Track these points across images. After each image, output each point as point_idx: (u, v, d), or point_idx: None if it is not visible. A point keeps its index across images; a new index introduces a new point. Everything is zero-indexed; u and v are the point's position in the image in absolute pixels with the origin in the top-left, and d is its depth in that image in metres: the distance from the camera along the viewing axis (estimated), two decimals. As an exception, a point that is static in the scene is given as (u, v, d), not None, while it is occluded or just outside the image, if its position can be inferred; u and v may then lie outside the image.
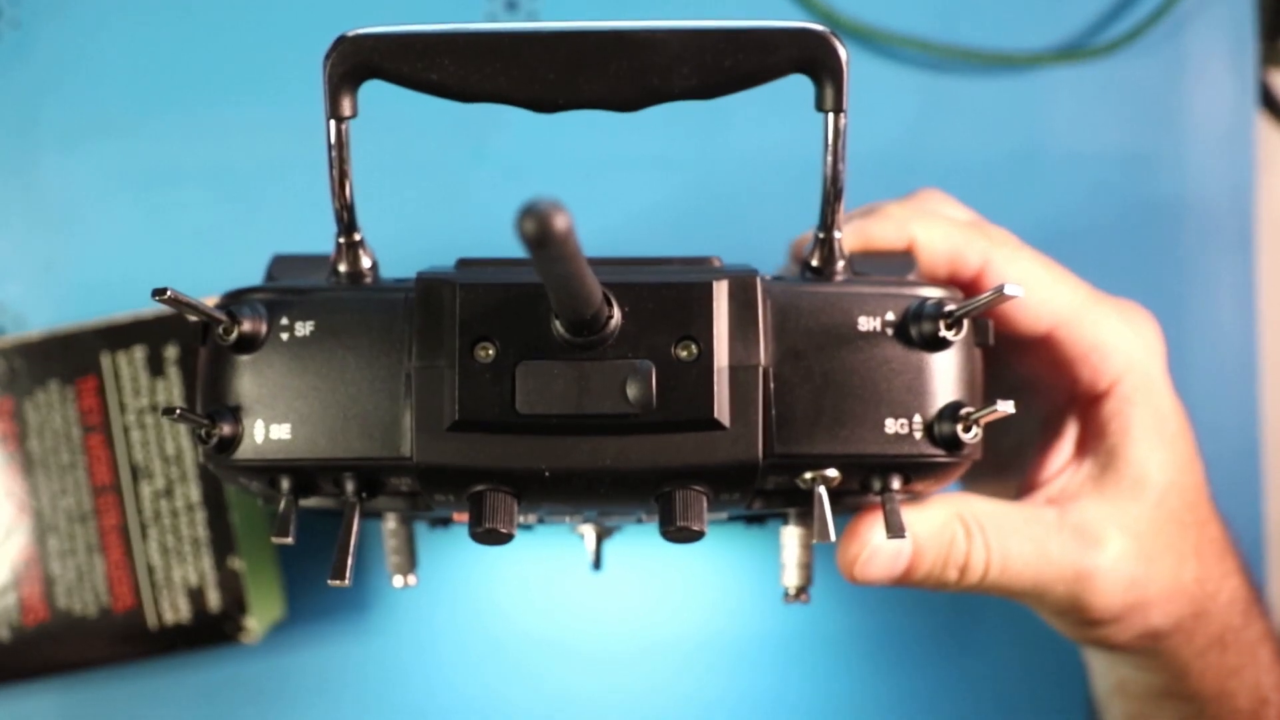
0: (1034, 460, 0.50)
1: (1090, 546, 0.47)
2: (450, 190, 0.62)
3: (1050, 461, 0.49)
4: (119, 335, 0.57)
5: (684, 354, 0.37)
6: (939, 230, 0.47)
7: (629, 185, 0.62)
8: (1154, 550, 0.47)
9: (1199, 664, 0.50)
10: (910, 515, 0.45)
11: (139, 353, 0.57)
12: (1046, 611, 0.49)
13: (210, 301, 0.39)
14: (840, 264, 0.41)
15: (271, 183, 0.62)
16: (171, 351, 0.57)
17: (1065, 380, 0.48)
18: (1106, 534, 0.47)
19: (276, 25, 0.62)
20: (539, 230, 0.26)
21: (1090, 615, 0.47)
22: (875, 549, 0.45)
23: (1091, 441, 0.48)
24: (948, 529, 0.45)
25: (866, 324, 0.39)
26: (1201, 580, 0.49)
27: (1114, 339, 0.48)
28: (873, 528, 0.44)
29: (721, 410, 0.38)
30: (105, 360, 0.57)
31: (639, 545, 0.58)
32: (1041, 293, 0.47)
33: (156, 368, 0.57)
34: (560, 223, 0.26)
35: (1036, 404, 0.51)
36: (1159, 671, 0.51)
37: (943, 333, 0.39)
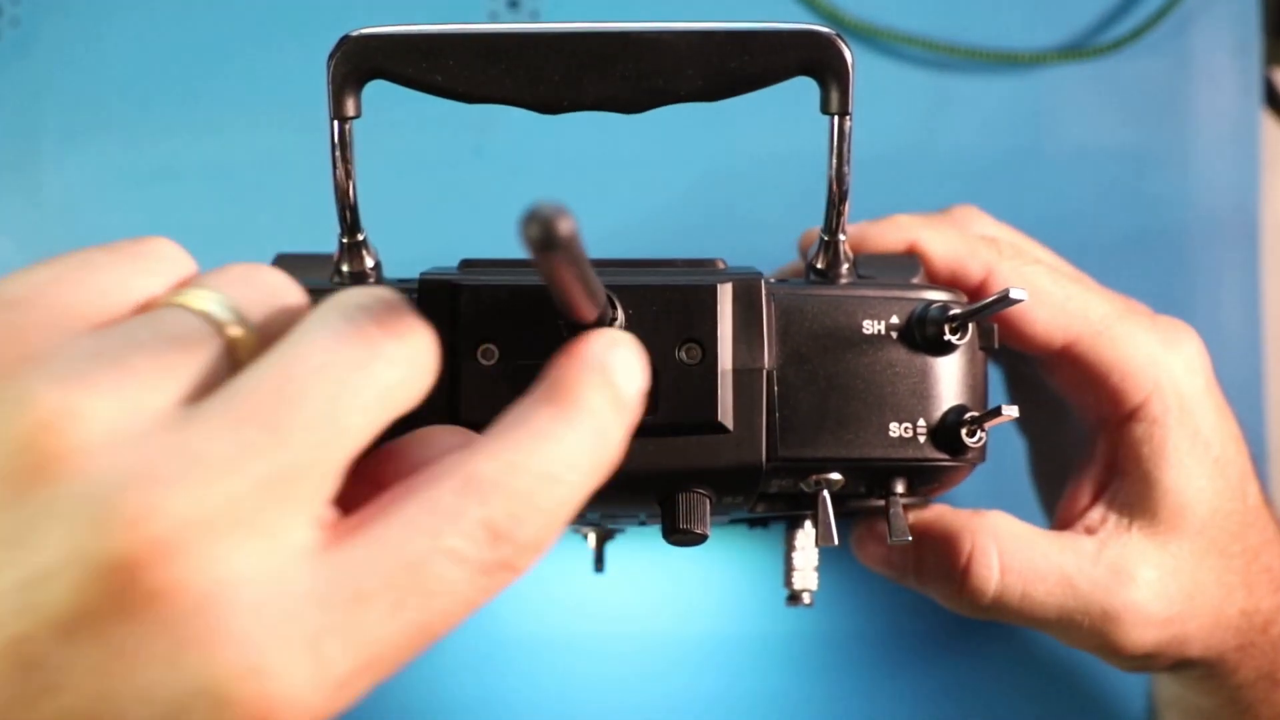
0: (1073, 484, 0.48)
1: (1122, 585, 0.44)
2: (454, 191, 0.62)
3: (1088, 487, 0.47)
4: (120, 333, 0.57)
5: (688, 357, 0.37)
6: (942, 236, 0.46)
7: (633, 187, 0.62)
8: (1194, 584, 0.45)
9: (1248, 694, 0.48)
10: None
11: (140, 351, 0.56)
12: (1072, 644, 0.47)
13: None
14: (845, 267, 0.41)
15: (274, 181, 0.61)
16: (173, 350, 0.56)
17: (1090, 400, 0.46)
18: (1141, 571, 0.45)
19: (279, 23, 0.62)
20: (543, 235, 0.26)
21: (1120, 653, 0.46)
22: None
23: (1126, 466, 0.46)
24: (947, 521, 0.45)
25: (871, 327, 0.39)
26: (1248, 613, 0.46)
27: (1139, 356, 0.45)
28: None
29: (725, 413, 0.37)
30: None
31: (641, 547, 0.58)
32: (1050, 305, 0.45)
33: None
34: (565, 227, 0.26)
35: (1080, 424, 0.48)
36: (1207, 695, 0.49)
37: (947, 336, 0.39)
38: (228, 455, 0.26)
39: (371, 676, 0.27)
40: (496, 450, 0.29)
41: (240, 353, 0.29)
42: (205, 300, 0.29)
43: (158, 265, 0.31)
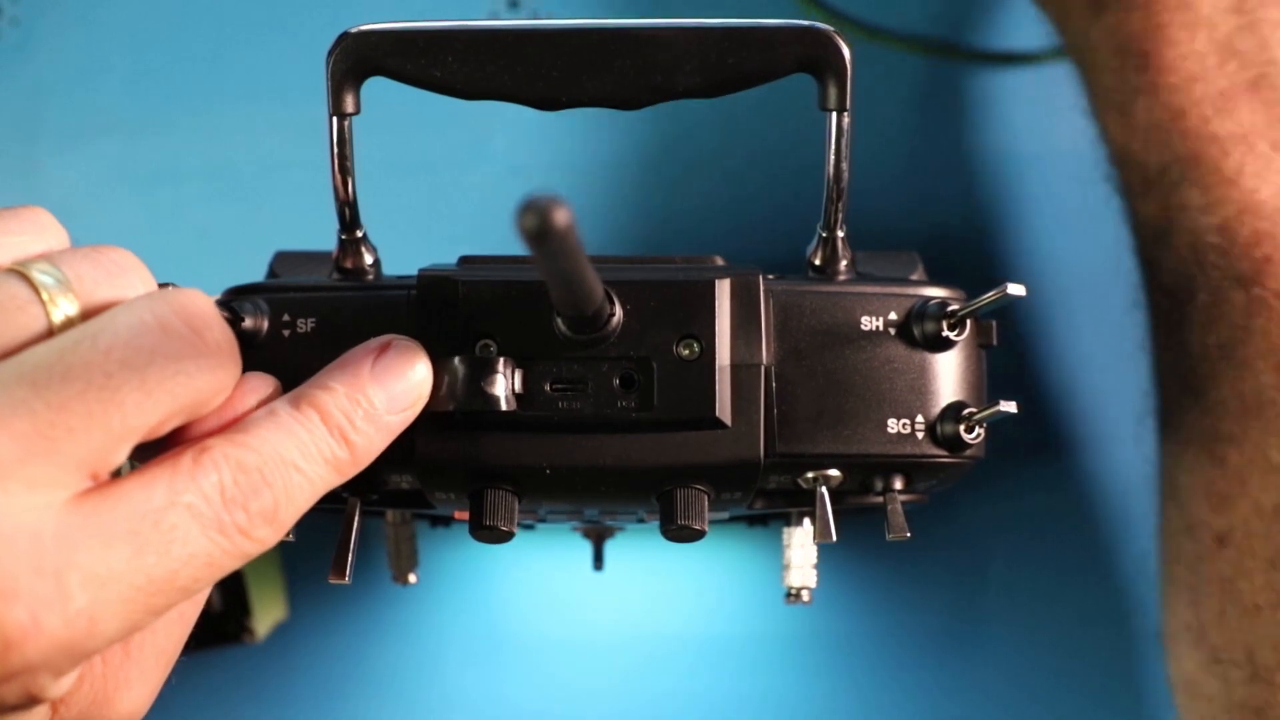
0: None
1: None
2: (453, 187, 0.62)
3: None
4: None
5: (686, 352, 0.37)
6: None
7: (632, 184, 0.62)
8: None
9: None
10: None
11: (141, 351, 0.57)
12: None
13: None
14: (844, 263, 0.41)
15: (273, 181, 0.62)
16: (173, 350, 0.57)
17: None
18: None
19: (278, 22, 0.62)
20: (539, 226, 0.26)
21: None
22: None
23: None
24: None
25: (869, 323, 0.39)
26: None
27: None
28: None
29: (723, 409, 0.38)
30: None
31: (640, 545, 0.58)
32: None
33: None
34: (561, 218, 0.26)
35: None
36: None
37: (945, 333, 0.39)
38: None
39: (124, 615, 0.31)
40: (241, 426, 0.33)
41: (58, 323, 0.32)
42: (38, 271, 0.32)
43: (20, 232, 0.34)
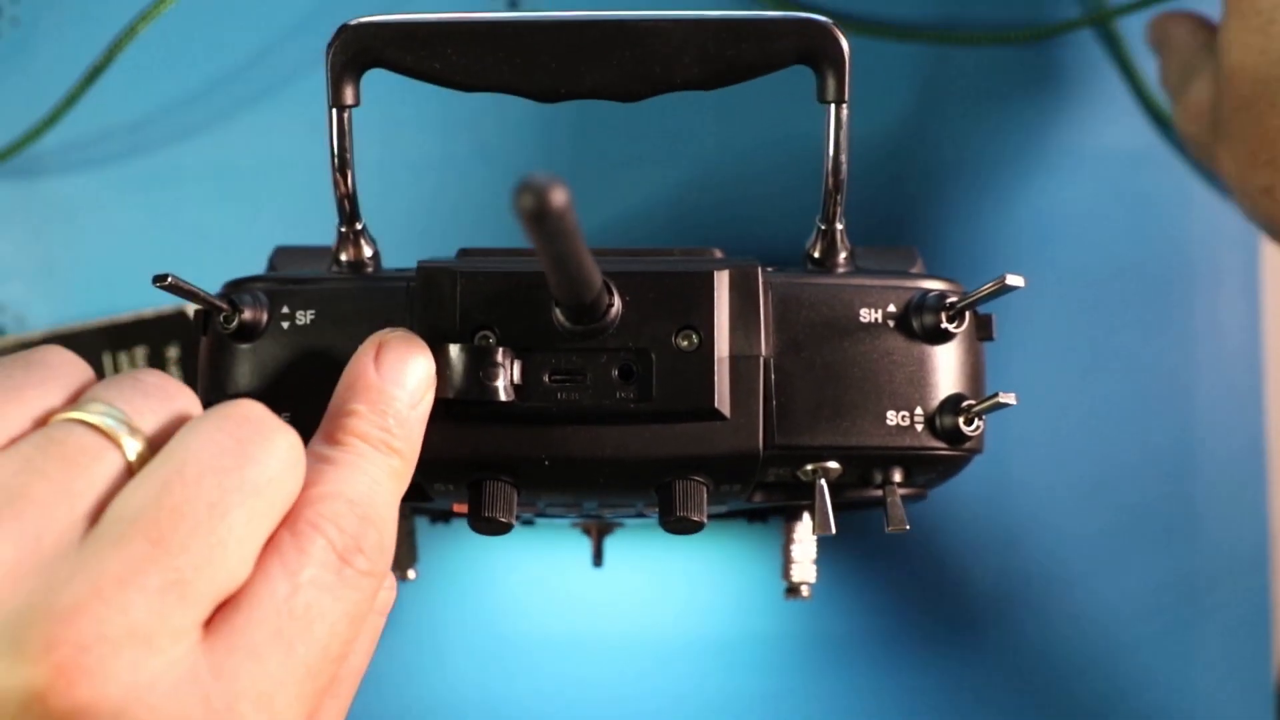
0: None
1: None
2: (452, 180, 0.62)
3: None
4: (121, 335, 0.57)
5: (685, 344, 0.37)
6: None
7: (631, 177, 0.62)
8: None
9: None
10: None
11: (140, 352, 0.57)
12: None
13: (211, 297, 0.39)
14: (842, 256, 0.41)
15: (273, 180, 0.62)
16: (173, 351, 0.57)
17: None
18: None
19: (277, 18, 0.62)
20: (536, 205, 0.26)
21: None
22: None
23: None
24: None
25: (868, 315, 0.39)
26: None
27: None
28: None
29: (722, 400, 0.38)
30: (107, 360, 0.57)
31: (640, 542, 0.58)
32: None
33: (158, 367, 0.56)
34: (558, 198, 0.26)
35: None
36: None
37: (944, 325, 0.39)
38: (121, 573, 0.28)
39: (300, 710, 0.31)
40: (315, 481, 0.33)
41: (134, 462, 0.31)
42: (98, 414, 0.31)
43: (52, 377, 0.32)
